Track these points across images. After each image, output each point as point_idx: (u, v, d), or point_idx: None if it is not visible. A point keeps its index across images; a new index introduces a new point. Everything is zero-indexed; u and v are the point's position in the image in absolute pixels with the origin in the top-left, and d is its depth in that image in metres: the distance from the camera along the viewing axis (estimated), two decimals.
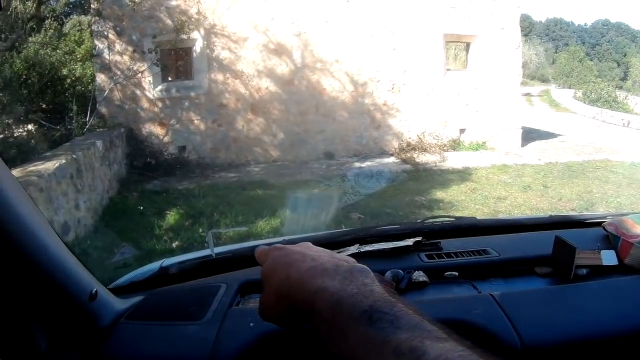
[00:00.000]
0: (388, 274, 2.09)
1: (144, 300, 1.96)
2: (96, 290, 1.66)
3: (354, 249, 2.38)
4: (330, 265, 1.01)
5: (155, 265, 2.37)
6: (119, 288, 2.17)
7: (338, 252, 2.32)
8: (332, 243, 2.45)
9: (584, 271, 2.10)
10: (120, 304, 1.88)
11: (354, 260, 1.12)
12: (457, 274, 2.21)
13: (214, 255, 2.37)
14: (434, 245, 2.46)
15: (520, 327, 1.67)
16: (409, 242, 2.39)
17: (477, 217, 8.10)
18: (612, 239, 2.32)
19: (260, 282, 2.12)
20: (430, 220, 2.99)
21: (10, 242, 1.28)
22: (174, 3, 17.34)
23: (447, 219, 3.09)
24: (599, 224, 2.59)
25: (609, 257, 2.16)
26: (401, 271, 2.13)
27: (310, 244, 1.19)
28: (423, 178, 15.06)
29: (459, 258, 2.33)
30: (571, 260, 2.07)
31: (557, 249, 2.19)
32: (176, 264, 2.38)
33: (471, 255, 2.35)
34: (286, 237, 2.73)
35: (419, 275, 2.15)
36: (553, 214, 9.66)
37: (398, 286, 2.05)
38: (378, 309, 0.87)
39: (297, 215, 9.77)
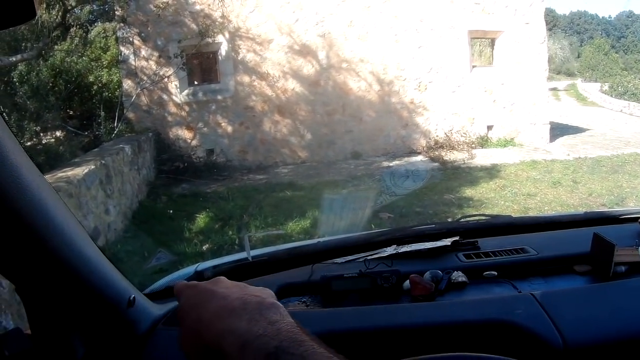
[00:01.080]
0: (427, 274, 2.10)
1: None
2: (134, 297, 1.68)
3: (391, 249, 2.39)
4: (238, 304, 0.99)
5: (190, 270, 2.41)
6: (155, 293, 2.17)
7: (375, 253, 2.33)
8: (369, 244, 2.48)
9: (623, 268, 2.09)
10: (157, 309, 1.90)
11: (269, 291, 1.11)
12: (496, 273, 2.21)
13: (250, 259, 2.37)
14: (472, 244, 2.48)
15: (563, 327, 1.66)
16: (447, 242, 2.41)
17: (509, 215, 8.09)
18: None
19: (298, 285, 2.15)
20: (466, 219, 3.01)
21: (49, 251, 1.28)
22: (198, 7, 17.41)
23: (482, 217, 3.11)
24: (635, 219, 2.60)
25: None
26: (440, 272, 2.14)
27: (223, 278, 1.16)
28: (451, 176, 15.01)
29: (498, 257, 2.34)
30: (610, 258, 2.06)
31: (596, 246, 2.18)
32: (211, 267, 2.38)
33: (509, 254, 2.35)
34: (322, 239, 2.77)
35: (458, 276, 2.16)
36: (585, 209, 9.56)
37: (437, 287, 2.06)
38: (285, 349, 0.86)
39: (332, 217, 9.79)
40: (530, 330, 1.67)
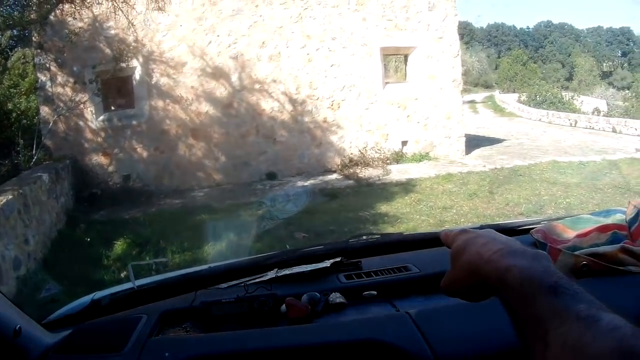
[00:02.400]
0: (304, 297, 2.15)
1: (70, 334, 2.00)
2: (20, 327, 1.71)
3: (272, 273, 2.42)
4: (519, 247, 1.15)
5: (87, 299, 2.40)
6: (53, 322, 2.21)
7: (256, 278, 2.41)
8: (255, 268, 2.51)
9: None
10: (50, 338, 1.93)
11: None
12: (375, 293, 2.26)
13: (135, 287, 2.39)
14: (354, 264, 2.52)
15: (436, 344, 1.70)
16: (327, 263, 2.45)
17: (422, 229, 8.11)
18: (540, 246, 2.36)
19: (180, 311, 2.22)
20: (354, 239, 2.97)
21: None
22: (112, 32, 17.29)
23: (371, 236, 3.09)
24: (528, 231, 2.64)
25: None
26: (318, 294, 2.19)
27: (493, 230, 1.29)
28: (367, 193, 15.10)
29: (378, 277, 2.38)
30: None
31: None
32: (107, 296, 2.42)
33: (391, 273, 2.40)
34: (211, 265, 2.78)
35: (336, 297, 2.20)
36: (502, 219, 9.73)
37: (314, 309, 2.11)
38: (561, 284, 1.00)
39: (219, 242, 9.88)
40: (402, 348, 1.71)
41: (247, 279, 2.39)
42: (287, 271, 2.43)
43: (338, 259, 2.49)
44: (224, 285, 2.39)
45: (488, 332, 1.77)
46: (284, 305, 2.12)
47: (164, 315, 2.12)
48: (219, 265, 2.77)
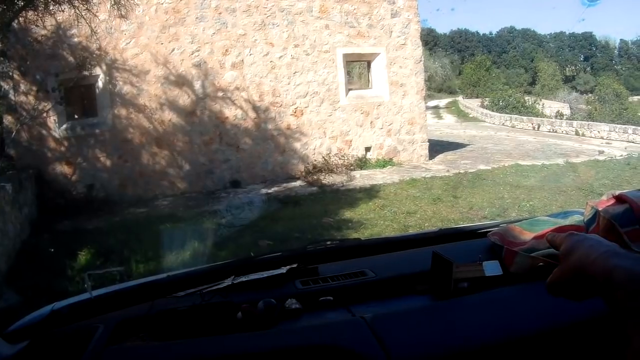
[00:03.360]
0: (260, 304, 2.14)
1: (29, 345, 2.01)
2: None
3: (228, 281, 2.41)
4: (622, 251, 1.20)
5: (47, 309, 2.38)
6: (11, 333, 2.20)
7: (213, 285, 2.43)
8: (213, 275, 2.51)
9: (465, 284, 2.14)
10: (8, 349, 1.95)
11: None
12: (332, 298, 2.26)
13: (92, 296, 2.37)
14: (311, 270, 2.52)
15: (391, 349, 1.70)
16: (283, 269, 2.45)
17: (386, 234, 8.14)
18: (497, 248, 2.39)
19: (135, 320, 2.25)
20: (312, 245, 2.97)
21: None
22: (75, 40, 17.20)
23: (330, 242, 3.10)
24: (486, 234, 2.64)
25: (491, 268, 2.19)
26: (273, 300, 2.17)
27: (598, 236, 1.34)
28: (331, 199, 15.09)
29: (335, 282, 2.38)
30: (449, 275, 2.11)
31: (435, 264, 2.24)
32: (66, 306, 2.40)
33: (347, 279, 2.40)
34: (170, 273, 2.79)
35: (292, 303, 2.21)
36: (466, 223, 9.76)
37: (270, 315, 2.11)
38: None
39: (177, 250, 9.88)
40: (357, 352, 1.70)
41: (204, 286, 2.39)
42: (243, 278, 2.43)
43: (294, 265, 2.50)
44: (181, 293, 2.39)
45: (442, 334, 1.79)
46: (239, 313, 2.13)
47: (120, 324, 2.12)
48: (177, 274, 2.76)
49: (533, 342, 1.77)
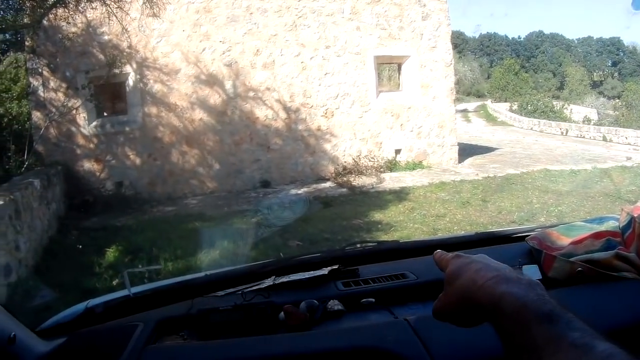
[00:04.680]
0: (302, 304, 2.13)
1: (65, 342, 1.98)
2: (14, 334, 1.69)
3: (269, 281, 2.40)
4: (514, 275, 1.14)
5: (81, 306, 2.35)
6: (46, 330, 2.16)
7: (254, 285, 2.38)
8: (252, 276, 2.49)
9: None
10: (43, 346, 1.91)
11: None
12: (373, 300, 2.24)
13: (131, 295, 2.36)
14: (352, 272, 2.49)
15: (435, 351, 1.70)
16: (325, 271, 2.43)
17: (415, 237, 8.07)
18: (535, 253, 2.36)
19: (176, 319, 2.18)
20: (350, 246, 2.98)
21: None
22: (106, 38, 17.26)
23: (368, 244, 3.08)
24: (523, 238, 2.63)
25: (530, 273, 2.18)
26: (316, 301, 2.17)
27: (487, 256, 1.28)
28: (360, 201, 15.01)
29: (376, 284, 2.36)
30: None
31: None
32: (101, 304, 2.38)
33: (388, 281, 2.39)
34: (208, 272, 2.75)
35: (334, 304, 2.18)
36: (495, 227, 9.69)
37: (313, 316, 2.09)
38: (556, 312, 1.00)
39: (216, 249, 9.85)
40: (401, 355, 1.71)
41: (245, 286, 2.39)
42: (284, 279, 2.42)
43: (335, 267, 2.49)
44: (221, 292, 2.39)
45: (485, 337, 1.63)
46: (282, 313, 2.11)
47: (160, 323, 2.11)
48: (215, 273, 2.73)
49: None
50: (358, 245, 3.02)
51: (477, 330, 1.81)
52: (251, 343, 1.90)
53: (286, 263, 2.69)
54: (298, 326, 2.04)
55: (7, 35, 21.76)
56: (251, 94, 18.53)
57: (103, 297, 2.58)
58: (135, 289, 2.44)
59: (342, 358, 1.77)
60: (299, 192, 17.06)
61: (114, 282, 9.13)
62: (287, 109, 18.87)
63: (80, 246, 11.96)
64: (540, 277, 2.18)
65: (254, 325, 2.11)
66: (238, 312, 2.13)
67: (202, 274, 2.70)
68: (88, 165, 17.56)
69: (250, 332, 2.06)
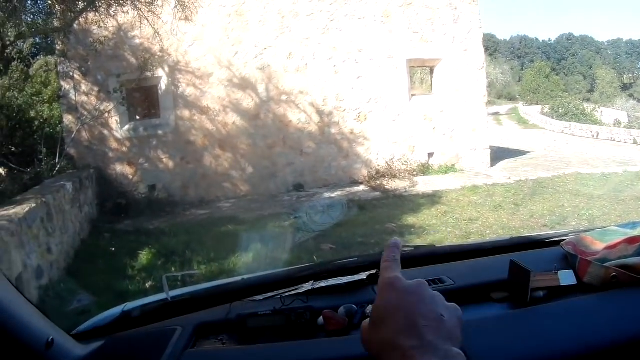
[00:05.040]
0: (341, 309, 2.11)
1: (103, 346, 1.97)
2: (52, 338, 1.67)
3: (308, 285, 2.39)
4: (438, 346, 1.01)
5: (117, 310, 2.38)
6: (83, 334, 2.17)
7: (292, 290, 2.33)
8: (290, 280, 2.48)
9: (541, 293, 2.09)
10: (80, 350, 1.89)
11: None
12: None
13: (169, 299, 2.37)
14: None
15: (470, 356, 1.52)
16: (363, 276, 2.41)
17: (448, 240, 8.05)
18: (570, 258, 2.32)
19: (214, 324, 2.15)
20: None
21: None
22: (137, 42, 17.35)
23: (405, 249, 3.04)
24: (558, 242, 2.60)
25: (567, 277, 2.16)
26: (355, 306, 2.14)
27: (425, 295, 1.13)
28: (394, 204, 14.98)
29: None
30: (526, 284, 2.07)
31: (513, 272, 2.19)
32: (138, 307, 2.39)
33: None
34: (245, 277, 2.76)
35: None
36: (527, 231, 9.64)
37: (352, 321, 2.06)
38: None
39: (256, 252, 9.83)
40: None
41: (283, 291, 2.39)
42: (323, 283, 2.42)
43: (374, 271, 2.45)
44: (259, 297, 2.39)
45: (528, 342, 1.76)
46: (321, 318, 2.10)
47: (198, 327, 2.10)
48: (252, 277, 2.78)
49: (609, 355, 1.71)
50: None
51: (514, 336, 1.81)
52: (290, 348, 1.92)
53: (323, 268, 2.70)
54: (337, 331, 2.03)
55: (38, 39, 21.93)
56: (284, 97, 18.55)
57: (139, 300, 2.62)
58: (172, 293, 2.46)
59: None
60: (333, 195, 17.09)
61: (147, 285, 9.19)
62: (320, 113, 18.89)
63: (113, 249, 12.08)
64: (576, 283, 2.16)
65: (292, 330, 2.09)
66: (277, 316, 2.12)
67: (239, 279, 2.74)
68: (121, 168, 17.66)
69: (289, 337, 2.06)
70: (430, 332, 1.03)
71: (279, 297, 2.30)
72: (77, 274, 10.38)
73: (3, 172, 16.16)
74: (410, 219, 13.15)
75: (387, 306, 1.09)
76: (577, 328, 1.83)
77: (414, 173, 18.86)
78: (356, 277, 2.40)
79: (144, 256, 11.23)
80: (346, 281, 2.39)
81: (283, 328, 2.09)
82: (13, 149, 17.03)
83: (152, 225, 14.49)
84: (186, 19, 15.53)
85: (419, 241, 10.68)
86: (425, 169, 19.43)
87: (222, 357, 1.90)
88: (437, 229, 12.05)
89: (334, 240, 11.14)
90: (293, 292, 2.35)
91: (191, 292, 2.70)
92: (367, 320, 1.14)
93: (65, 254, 11.10)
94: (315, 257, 9.43)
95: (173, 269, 10.01)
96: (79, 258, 11.66)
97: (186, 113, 18.00)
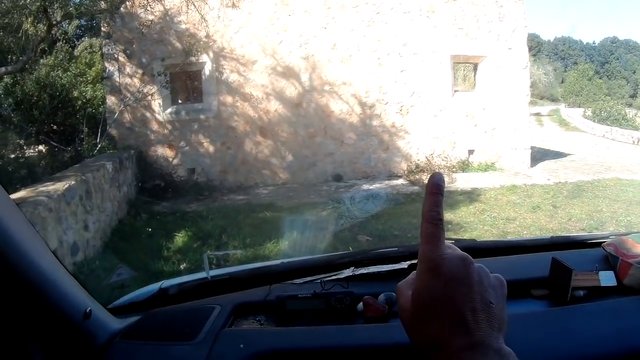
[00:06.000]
0: (381, 296, 2.11)
1: (140, 320, 2.01)
2: (90, 310, 1.69)
3: (348, 271, 2.40)
4: (494, 346, 0.98)
5: (155, 287, 2.40)
6: (119, 308, 2.20)
7: (332, 275, 2.34)
8: (330, 265, 2.49)
9: (582, 293, 2.10)
10: (117, 323, 1.92)
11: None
12: None
13: (209, 278, 2.39)
14: None
15: (516, 350, 1.64)
16: (404, 264, 2.41)
17: (485, 239, 8.03)
18: (611, 259, 2.30)
19: (254, 304, 2.18)
20: None
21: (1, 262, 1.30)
22: (183, 27, 17.49)
23: (446, 241, 3.03)
24: (599, 244, 2.58)
25: (607, 278, 2.16)
26: (394, 294, 2.09)
27: (472, 275, 1.06)
28: None
29: None
30: (567, 282, 2.07)
31: (554, 270, 2.19)
32: (176, 285, 2.42)
33: None
34: (285, 260, 2.78)
35: None
36: (561, 234, 9.58)
37: (391, 309, 2.07)
38: None
39: (296, 238, 9.83)
40: None
41: (323, 275, 2.39)
42: (363, 270, 2.40)
43: (414, 261, 2.33)
44: (298, 280, 2.39)
45: (567, 340, 1.76)
46: (360, 304, 2.10)
47: (237, 307, 2.12)
48: (292, 261, 2.80)
49: None
50: None
51: (552, 333, 1.81)
52: (329, 331, 1.92)
53: (364, 255, 2.69)
54: (376, 318, 2.04)
55: (83, 21, 22.06)
56: (327, 87, 18.56)
57: (177, 278, 2.65)
58: (212, 273, 2.48)
59: (419, 353, 1.72)
60: (371, 187, 17.09)
61: (182, 267, 9.27)
62: (362, 104, 18.85)
63: (150, 229, 12.17)
64: (616, 284, 2.14)
65: (331, 314, 2.11)
66: (317, 300, 2.13)
67: (278, 262, 2.76)
68: (161, 150, 17.83)
69: (327, 321, 2.08)
70: (480, 326, 0.99)
71: (319, 281, 2.31)
72: (113, 252, 10.51)
73: (44, 150, 16.31)
74: (448, 215, 12.91)
75: (432, 295, 1.02)
76: (616, 329, 1.82)
77: (454, 169, 18.79)
78: (397, 266, 2.41)
79: (180, 238, 11.37)
80: (387, 269, 2.39)
81: (322, 312, 2.11)
82: (54, 127, 17.15)
83: (190, 208, 14.61)
84: (233, 5, 15.59)
85: (456, 237, 10.68)
86: (464, 166, 19.37)
87: (260, 337, 1.91)
88: (474, 227, 12.03)
89: (370, 232, 11.18)
90: (333, 277, 2.36)
91: (230, 272, 2.73)
92: (406, 298, 1.10)
93: (102, 232, 11.27)
94: (350, 248, 9.43)
95: (208, 251, 10.07)
96: (116, 237, 11.84)
97: (229, 99, 18.09)
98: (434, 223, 1.08)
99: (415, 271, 1.14)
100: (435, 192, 1.10)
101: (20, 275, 1.39)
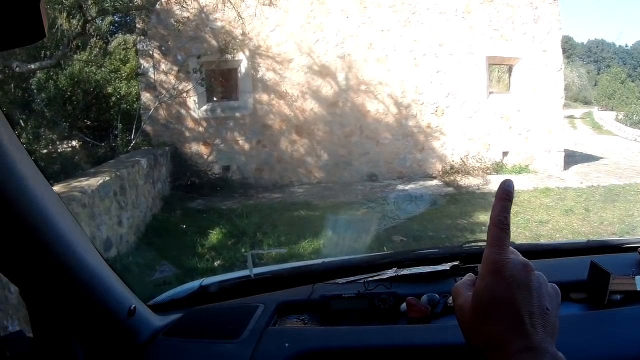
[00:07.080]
0: (424, 297, 2.15)
1: (182, 318, 2.04)
2: (135, 307, 1.73)
3: (391, 272, 2.43)
4: (549, 350, 1.01)
5: (195, 284, 2.43)
6: (159, 305, 2.25)
7: (375, 275, 2.37)
8: (371, 266, 2.52)
9: (618, 297, 2.11)
10: (159, 320, 1.96)
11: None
12: None
13: (252, 276, 2.43)
14: (471, 269, 2.43)
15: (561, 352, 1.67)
16: (446, 266, 2.45)
17: (518, 241, 8.03)
18: None
19: (297, 303, 2.22)
20: (469, 244, 2.99)
21: (50, 256, 1.33)
22: (219, 24, 17.52)
23: (485, 243, 3.03)
24: (634, 248, 2.62)
25: None
26: (437, 295, 2.19)
27: (532, 281, 1.07)
28: (466, 201, 14.93)
29: None
30: (605, 286, 2.09)
31: (592, 274, 2.21)
32: (216, 283, 2.45)
33: None
34: (326, 260, 2.81)
35: None
36: (593, 238, 9.58)
37: (433, 310, 2.11)
38: None
39: (337, 237, 9.84)
40: None
41: (366, 275, 2.42)
42: (406, 271, 2.44)
43: (456, 263, 2.50)
44: (341, 280, 2.42)
45: (605, 343, 1.79)
46: (403, 304, 2.14)
47: (281, 305, 2.16)
48: (334, 261, 2.81)
49: None
50: (474, 244, 2.99)
51: (589, 337, 1.83)
52: (373, 331, 1.95)
53: (405, 256, 2.71)
54: (418, 319, 2.06)
55: (117, 17, 22.13)
56: (363, 87, 18.54)
57: (218, 276, 2.70)
58: (255, 271, 2.52)
59: (460, 353, 1.70)
60: (407, 188, 17.07)
61: (216, 264, 9.32)
62: (398, 104, 18.81)
63: (184, 226, 12.23)
64: None
65: (374, 314, 2.14)
66: (361, 300, 2.16)
67: (319, 261, 2.80)
68: (196, 147, 17.87)
69: (370, 321, 2.10)
70: (537, 330, 1.02)
71: (362, 281, 2.35)
72: (147, 248, 10.57)
73: (77, 145, 16.40)
74: (482, 217, 13.04)
75: (494, 297, 1.05)
76: None
77: (488, 171, 18.74)
78: (439, 267, 2.45)
79: (214, 235, 11.40)
80: (429, 270, 2.43)
81: (365, 312, 2.14)
82: (88, 122, 17.28)
83: (224, 206, 14.64)
84: (270, 3, 15.65)
85: None
86: (498, 168, 19.29)
87: (304, 336, 1.93)
88: None
89: (405, 232, 11.19)
90: (376, 278, 2.40)
91: (273, 270, 2.77)
92: (465, 298, 1.11)
93: (136, 227, 11.37)
94: (385, 248, 9.47)
95: (243, 249, 10.11)
96: (149, 233, 11.92)
97: (264, 97, 18.11)
98: (502, 227, 1.13)
99: (470, 272, 1.22)
100: (504, 198, 1.15)
101: (69, 272, 1.43)
